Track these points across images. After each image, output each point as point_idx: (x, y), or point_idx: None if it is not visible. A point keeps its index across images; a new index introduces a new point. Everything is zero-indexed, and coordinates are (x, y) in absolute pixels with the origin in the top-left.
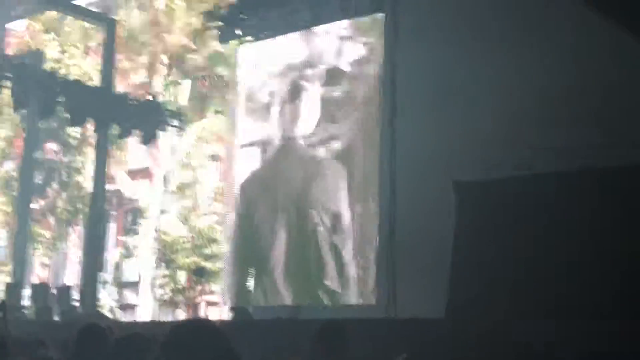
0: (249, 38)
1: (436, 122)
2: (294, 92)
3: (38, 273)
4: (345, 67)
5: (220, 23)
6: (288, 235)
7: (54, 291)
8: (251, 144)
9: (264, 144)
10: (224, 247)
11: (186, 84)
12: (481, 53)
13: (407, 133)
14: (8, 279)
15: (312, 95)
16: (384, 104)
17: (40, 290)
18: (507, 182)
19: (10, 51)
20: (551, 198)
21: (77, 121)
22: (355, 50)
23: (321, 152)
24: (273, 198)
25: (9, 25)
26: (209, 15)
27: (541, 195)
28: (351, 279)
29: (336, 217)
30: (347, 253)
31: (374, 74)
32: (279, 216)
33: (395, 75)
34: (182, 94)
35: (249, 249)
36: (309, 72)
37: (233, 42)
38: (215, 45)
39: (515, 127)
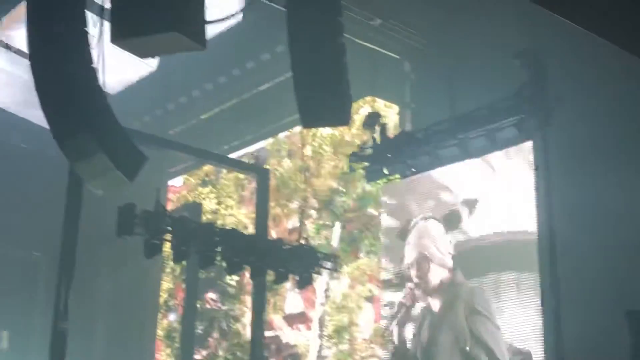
0: (395, 176)
1: (601, 250)
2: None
3: None
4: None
5: (365, 163)
6: None
7: None
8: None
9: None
10: None
11: (337, 226)
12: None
13: (570, 262)
14: None
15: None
16: (541, 233)
17: None
18: None
19: (170, 206)
20: None
21: (235, 269)
22: (503, 180)
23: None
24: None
25: (169, 182)
26: (355, 156)
27: None
28: None
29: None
30: None
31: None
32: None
33: (552, 200)
34: (333, 236)
35: None
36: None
37: (380, 181)
38: (363, 186)
39: None
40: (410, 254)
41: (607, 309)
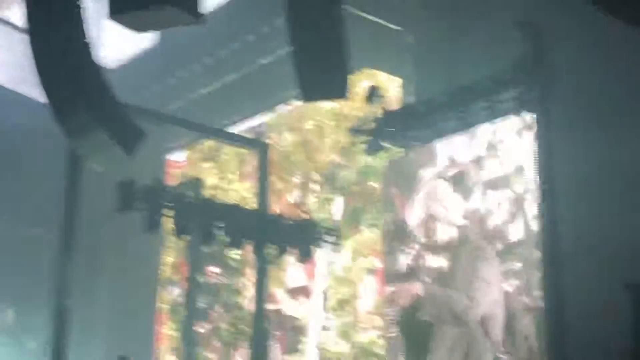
0: (397, 149)
1: (601, 221)
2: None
3: None
4: (497, 170)
5: (367, 137)
6: (451, 341)
7: None
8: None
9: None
10: None
11: (339, 200)
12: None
13: (570, 233)
14: None
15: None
16: (543, 202)
17: None
18: None
19: (171, 181)
20: None
21: (237, 243)
22: (505, 152)
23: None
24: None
25: (169, 157)
26: (356, 130)
27: None
28: None
29: (499, 326)
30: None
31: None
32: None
33: (554, 173)
34: (335, 210)
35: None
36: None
37: (382, 154)
38: (365, 159)
39: None
40: (417, 214)
41: (608, 280)
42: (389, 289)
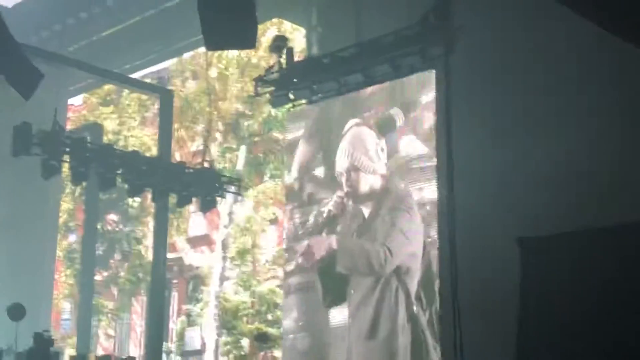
0: (301, 101)
1: (495, 178)
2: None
3: (103, 344)
4: (409, 122)
5: (272, 87)
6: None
7: None
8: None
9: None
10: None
11: (242, 150)
12: (539, 101)
13: (465, 191)
14: (73, 352)
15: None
16: (440, 160)
17: None
18: (572, 236)
19: (69, 125)
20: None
21: (136, 192)
22: (407, 106)
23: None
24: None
25: (69, 101)
26: (261, 80)
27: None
28: (418, 332)
29: (404, 267)
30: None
31: (429, 129)
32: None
33: (451, 129)
34: (238, 160)
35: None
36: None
37: (286, 106)
38: (269, 110)
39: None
40: (341, 163)
41: (500, 235)
42: (304, 242)
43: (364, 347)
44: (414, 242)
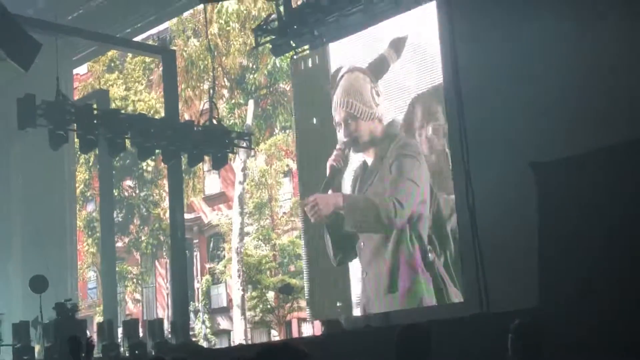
0: (303, 48)
1: (506, 104)
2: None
3: (131, 308)
4: (405, 59)
5: (272, 37)
6: (368, 238)
7: (147, 325)
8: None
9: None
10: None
11: (250, 104)
12: (551, 31)
13: (476, 119)
14: (101, 318)
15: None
16: (449, 91)
17: (133, 325)
18: (586, 157)
19: (76, 94)
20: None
21: (145, 154)
22: (411, 42)
23: (389, 147)
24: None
25: (74, 70)
26: (261, 30)
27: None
28: (438, 278)
29: (416, 215)
30: (430, 251)
31: (437, 63)
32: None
33: (458, 61)
34: (247, 115)
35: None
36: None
37: (288, 55)
38: (273, 60)
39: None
40: (337, 114)
41: (512, 160)
42: (310, 198)
43: (386, 300)
44: (424, 189)
